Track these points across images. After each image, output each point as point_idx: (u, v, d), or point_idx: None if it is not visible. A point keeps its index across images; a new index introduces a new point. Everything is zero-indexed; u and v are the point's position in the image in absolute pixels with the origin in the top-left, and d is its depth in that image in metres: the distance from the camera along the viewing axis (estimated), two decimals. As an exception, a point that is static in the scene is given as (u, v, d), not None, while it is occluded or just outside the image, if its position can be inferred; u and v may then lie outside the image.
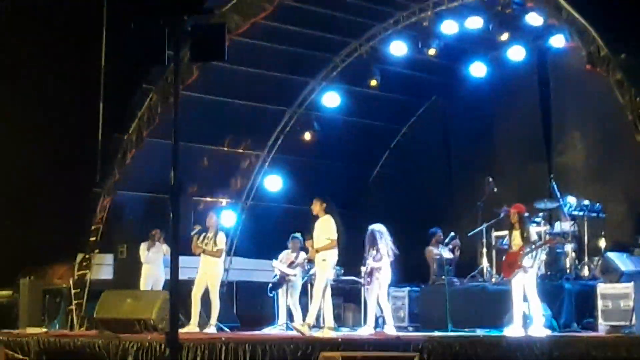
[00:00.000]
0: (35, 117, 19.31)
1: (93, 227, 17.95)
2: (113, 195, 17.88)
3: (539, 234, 15.08)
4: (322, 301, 13.85)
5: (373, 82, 18.17)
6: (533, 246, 13.46)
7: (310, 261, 14.87)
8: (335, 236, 13.87)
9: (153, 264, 17.09)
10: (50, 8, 19.43)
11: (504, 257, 14.12)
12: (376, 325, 15.06)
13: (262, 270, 16.63)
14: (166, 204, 9.52)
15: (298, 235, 16.07)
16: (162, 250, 17.01)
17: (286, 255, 16.09)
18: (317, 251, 13.88)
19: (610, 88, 13.72)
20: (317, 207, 14.08)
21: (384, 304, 14.87)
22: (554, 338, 11.74)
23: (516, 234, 13.63)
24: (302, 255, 15.69)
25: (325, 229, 13.89)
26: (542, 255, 14.54)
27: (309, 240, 14.10)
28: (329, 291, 14.03)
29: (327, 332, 13.58)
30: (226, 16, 15.95)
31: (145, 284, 17.00)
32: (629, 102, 12.58)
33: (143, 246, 17.19)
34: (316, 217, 14.10)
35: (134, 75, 17.51)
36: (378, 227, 14.83)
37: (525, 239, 13.50)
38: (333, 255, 13.89)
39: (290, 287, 15.71)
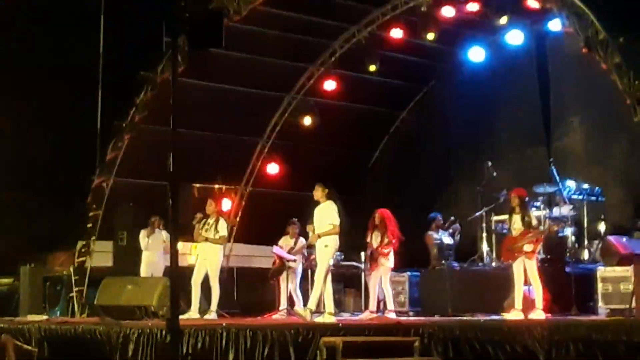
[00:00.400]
0: (35, 105, 19.31)
1: (91, 214, 17.97)
2: (108, 181, 17.88)
3: (538, 218, 15.09)
4: (323, 287, 13.86)
5: (372, 68, 18.15)
6: (533, 233, 13.44)
7: (310, 247, 14.87)
8: (338, 222, 13.88)
9: (153, 251, 17.12)
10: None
11: (502, 241, 14.12)
12: (378, 311, 15.13)
13: (262, 257, 16.66)
14: (166, 190, 9.54)
15: (296, 220, 16.10)
16: (161, 237, 17.03)
17: (285, 241, 16.12)
18: (319, 236, 13.88)
19: (609, 71, 13.70)
20: (319, 192, 14.08)
21: (386, 289, 14.94)
22: (554, 322, 11.75)
23: (516, 218, 13.61)
24: (301, 241, 15.72)
25: (328, 214, 13.89)
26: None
27: (310, 225, 14.09)
28: (329, 277, 14.05)
29: (328, 318, 13.61)
30: (224, 2, 15.94)
31: (145, 271, 17.04)
32: (627, 86, 12.56)
33: (143, 233, 17.22)
34: (317, 203, 14.10)
35: (132, 63, 17.50)
36: (385, 212, 14.88)
37: (527, 223, 13.49)
38: (335, 241, 13.90)
39: (290, 273, 15.74)
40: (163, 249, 16.96)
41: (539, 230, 13.65)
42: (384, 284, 14.92)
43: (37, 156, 19.18)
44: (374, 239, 14.99)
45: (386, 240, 14.76)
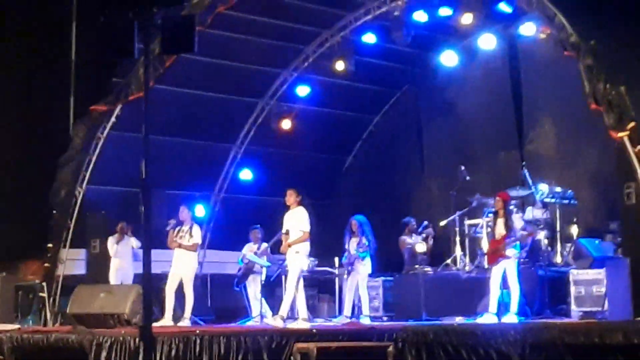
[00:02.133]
0: (5, 112, 19.19)
1: (54, 222, 17.89)
2: (72, 189, 17.81)
3: (533, 221, 15.18)
4: (296, 293, 13.84)
5: (340, 65, 17.99)
6: (514, 237, 13.49)
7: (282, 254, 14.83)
8: (308, 228, 13.87)
9: (122, 257, 17.03)
10: (20, 0, 19.31)
11: (489, 244, 14.13)
12: (352, 316, 15.13)
13: (236, 263, 16.58)
14: (138, 197, 9.49)
15: (257, 226, 16.12)
16: (130, 243, 16.96)
17: (248, 248, 16.12)
18: (289, 245, 13.86)
19: (580, 75, 13.76)
20: (292, 198, 14.05)
21: (363, 295, 14.94)
22: (528, 325, 11.78)
23: (500, 222, 13.67)
24: (264, 245, 15.67)
25: (299, 220, 13.88)
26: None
27: (284, 234, 14.04)
28: (301, 283, 14.03)
29: (302, 323, 13.58)
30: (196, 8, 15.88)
31: (114, 278, 16.94)
32: (599, 89, 12.61)
33: (111, 240, 17.12)
34: (287, 208, 14.08)
35: (104, 69, 17.43)
36: (361, 218, 14.90)
37: (508, 227, 13.54)
38: (306, 246, 13.89)
39: (255, 278, 15.68)
40: (133, 255, 16.89)
41: (518, 237, 13.68)
42: (361, 289, 14.95)
43: (8, 164, 19.06)
44: (351, 245, 15.00)
45: (363, 245, 14.77)
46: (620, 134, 12.28)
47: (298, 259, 13.85)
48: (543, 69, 17.37)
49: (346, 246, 15.03)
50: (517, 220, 14.22)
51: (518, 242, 13.57)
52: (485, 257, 14.41)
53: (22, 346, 13.51)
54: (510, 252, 13.42)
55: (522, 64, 18.09)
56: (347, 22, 18.08)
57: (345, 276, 15.17)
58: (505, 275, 13.51)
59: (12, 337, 13.71)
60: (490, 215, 14.97)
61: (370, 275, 16.30)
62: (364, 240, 14.85)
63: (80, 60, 19.22)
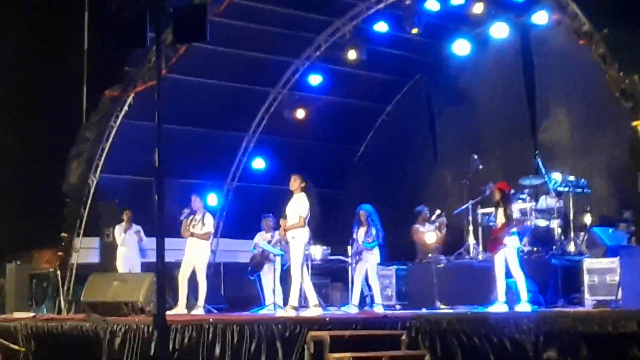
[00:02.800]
0: (18, 101, 19.24)
1: (68, 211, 17.97)
2: (85, 178, 17.88)
3: (524, 211, 15.14)
4: (302, 280, 13.83)
5: (352, 55, 17.98)
6: (513, 224, 13.50)
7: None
8: (305, 214, 13.84)
9: (129, 246, 17.09)
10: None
11: (490, 234, 14.15)
12: (364, 304, 15.14)
13: (249, 251, 16.62)
14: (151, 186, 9.52)
15: (270, 215, 16.11)
16: (138, 232, 17.05)
17: (261, 237, 16.13)
18: (285, 230, 13.87)
19: (593, 64, 13.74)
20: (296, 183, 14.04)
21: (374, 284, 14.95)
22: (541, 314, 11.77)
23: (499, 211, 13.67)
24: (277, 234, 15.66)
25: (298, 206, 13.88)
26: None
27: (283, 219, 14.03)
28: (305, 269, 14.01)
29: (314, 310, 13.60)
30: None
31: (122, 266, 17.01)
32: (613, 77, 12.58)
33: (118, 229, 17.18)
34: (291, 194, 14.08)
35: (117, 58, 17.46)
36: (369, 208, 14.89)
37: (507, 216, 13.54)
38: (303, 232, 13.86)
39: (270, 267, 15.68)
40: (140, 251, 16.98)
41: (516, 222, 13.67)
42: (371, 279, 14.96)
43: (22, 153, 19.12)
44: (359, 235, 15.01)
45: (371, 235, 14.79)
46: (634, 123, 12.25)
47: (295, 245, 13.83)
48: (556, 58, 17.32)
49: (354, 236, 15.02)
50: (516, 210, 14.20)
51: (515, 231, 13.55)
52: (487, 246, 14.41)
53: (36, 334, 13.60)
54: (508, 240, 13.40)
55: (535, 53, 18.03)
56: (359, 10, 18.05)
57: (353, 265, 15.15)
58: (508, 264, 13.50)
59: (27, 325, 13.80)
60: (519, 201, 15.03)
61: (383, 264, 16.32)
62: (372, 230, 14.84)
63: (92, 50, 19.23)
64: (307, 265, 16.40)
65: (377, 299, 14.86)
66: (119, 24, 10.05)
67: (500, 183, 14.02)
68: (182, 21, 9.80)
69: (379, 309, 14.57)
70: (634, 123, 12.20)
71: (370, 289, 15.28)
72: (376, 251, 14.92)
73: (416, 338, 10.62)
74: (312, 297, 13.98)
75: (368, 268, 14.92)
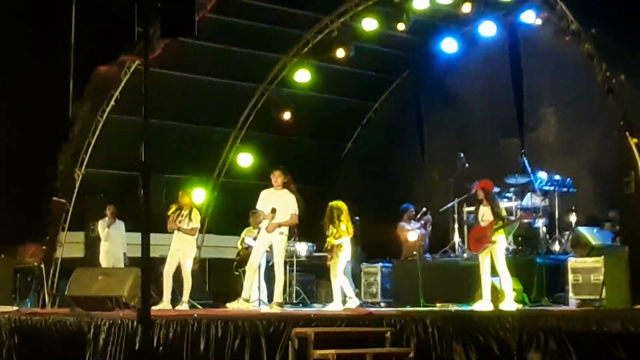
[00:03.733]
0: (4, 95, 19.15)
1: (53, 204, 17.94)
2: (71, 172, 17.85)
3: (509, 209, 15.15)
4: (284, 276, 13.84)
5: (340, 53, 17.99)
6: (503, 222, 13.47)
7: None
8: (297, 212, 13.87)
9: (112, 241, 17.06)
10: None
11: (469, 232, 14.13)
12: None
13: (234, 247, 16.61)
14: (137, 181, 9.48)
15: (257, 210, 16.03)
16: (122, 227, 17.02)
17: (248, 232, 16.10)
18: (279, 225, 13.83)
19: (581, 63, 13.76)
20: (280, 179, 14.00)
21: (343, 280, 14.80)
22: (525, 312, 11.81)
23: (485, 210, 13.61)
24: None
25: (287, 204, 13.84)
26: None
27: (269, 213, 13.92)
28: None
29: (275, 308, 13.56)
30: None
31: (105, 261, 16.99)
32: (600, 77, 12.61)
33: (102, 223, 17.16)
34: (269, 187, 14.03)
35: (104, 53, 17.40)
36: (337, 205, 14.76)
37: (496, 214, 13.52)
38: (288, 229, 13.90)
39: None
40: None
41: (509, 221, 13.66)
42: (341, 274, 14.77)
43: (7, 146, 19.03)
44: (330, 231, 14.92)
45: (340, 230, 14.62)
46: (633, 140, 12.25)
47: (283, 240, 13.81)
48: (544, 57, 17.36)
49: (327, 232, 14.92)
50: (503, 207, 14.15)
51: (505, 228, 13.51)
52: (468, 245, 14.37)
53: (20, 328, 13.53)
54: (496, 237, 13.37)
55: (523, 52, 18.06)
56: (348, 7, 18.05)
57: (328, 262, 15.03)
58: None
59: (10, 319, 13.73)
60: (505, 200, 15.06)
61: (368, 262, 16.32)
62: (340, 227, 14.69)
63: (79, 44, 19.16)
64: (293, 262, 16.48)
65: (349, 292, 14.67)
66: (106, 18, 10.01)
67: (482, 181, 13.97)
68: (171, 16, 9.76)
69: (353, 303, 14.40)
70: (632, 140, 12.16)
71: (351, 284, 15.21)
72: (346, 248, 14.65)
73: (401, 335, 10.62)
74: (279, 294, 13.94)
75: (338, 265, 14.72)
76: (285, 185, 13.99)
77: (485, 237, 13.43)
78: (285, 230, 13.87)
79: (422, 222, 17.21)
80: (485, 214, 13.61)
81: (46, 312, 14.82)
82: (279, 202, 13.89)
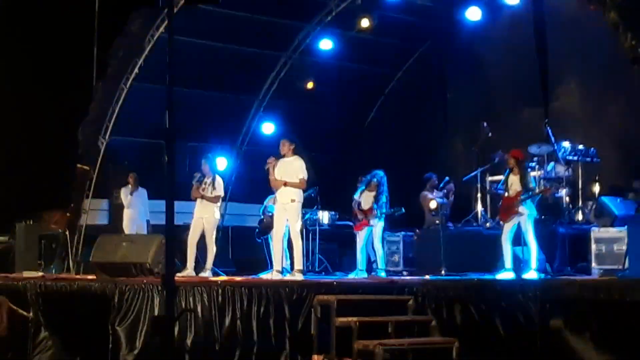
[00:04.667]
0: (29, 65, 19.24)
1: (77, 171, 18.05)
2: (95, 140, 17.95)
3: (533, 179, 15.11)
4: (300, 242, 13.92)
5: (365, 22, 17.92)
6: (530, 193, 13.45)
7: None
8: (306, 176, 13.89)
9: (135, 208, 17.18)
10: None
11: (500, 202, 14.11)
12: (371, 270, 15.17)
13: (258, 215, 16.66)
14: (161, 149, 9.52)
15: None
16: (144, 194, 17.12)
17: (272, 199, 16.13)
18: (285, 184, 13.86)
19: (606, 32, 13.65)
20: (285, 147, 14.08)
21: (378, 249, 14.96)
22: (547, 281, 11.83)
23: (514, 179, 13.58)
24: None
25: (295, 168, 13.89)
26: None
27: (278, 179, 14.02)
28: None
29: (298, 275, 13.65)
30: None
31: (128, 228, 17.10)
32: (626, 45, 12.49)
33: (124, 191, 17.28)
34: (281, 157, 14.10)
35: (127, 20, 17.43)
36: (382, 175, 14.87)
37: (524, 184, 13.49)
38: (301, 195, 13.95)
39: None
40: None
41: (534, 192, 13.63)
42: (376, 245, 14.91)
43: (32, 114, 19.14)
44: (364, 199, 14.97)
45: (382, 204, 14.72)
46: None
47: (296, 208, 13.88)
48: (569, 26, 17.20)
49: (357, 197, 14.96)
50: (532, 178, 14.14)
51: (534, 198, 13.50)
52: (499, 214, 14.36)
53: (46, 293, 13.70)
54: (525, 208, 13.37)
55: (548, 20, 17.89)
56: (372, -24, 17.95)
57: (356, 229, 15.10)
58: (518, 232, 13.48)
59: (36, 284, 13.90)
60: (528, 170, 15.04)
61: (390, 230, 16.36)
62: (383, 198, 14.79)
63: (103, 11, 19.16)
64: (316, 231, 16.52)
65: (381, 264, 14.85)
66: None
67: (514, 150, 13.93)
68: (194, -17, 9.76)
69: (381, 274, 14.59)
70: None
71: (375, 254, 15.31)
72: (382, 217, 14.90)
73: (423, 304, 10.67)
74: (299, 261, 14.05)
75: (374, 233, 14.91)
76: (295, 152, 14.04)
77: (513, 207, 13.41)
78: (297, 197, 13.90)
79: (445, 191, 17.21)
80: (513, 183, 13.58)
81: (71, 278, 14.97)
82: (288, 169, 13.94)
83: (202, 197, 15.20)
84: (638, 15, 12.53)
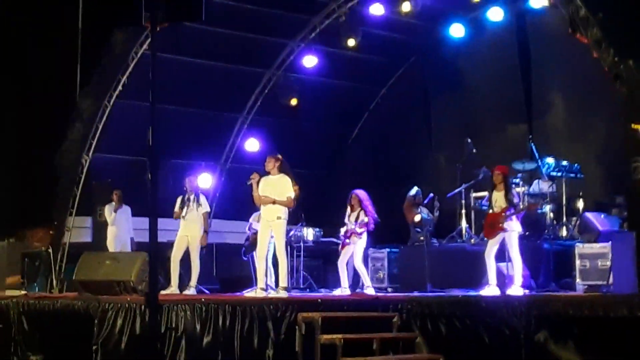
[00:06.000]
0: (12, 80, 19.17)
1: (61, 190, 17.98)
2: (78, 157, 17.89)
3: (517, 195, 15.12)
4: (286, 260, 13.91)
5: (351, 42, 18.00)
6: (514, 209, 13.46)
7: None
8: (293, 195, 13.88)
9: (119, 226, 17.10)
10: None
11: (484, 218, 14.12)
12: (357, 287, 15.13)
13: (242, 233, 16.62)
14: (145, 166, 9.48)
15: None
16: (128, 211, 17.05)
17: (257, 216, 16.10)
18: (274, 202, 13.84)
19: (589, 48, 13.70)
20: (271, 164, 14.05)
21: (360, 268, 14.87)
22: (532, 297, 11.82)
23: (499, 195, 13.60)
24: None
25: (283, 186, 13.87)
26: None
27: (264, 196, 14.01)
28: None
29: (282, 293, 13.62)
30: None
31: (112, 246, 17.02)
32: (608, 62, 12.54)
33: (108, 208, 17.20)
34: (266, 174, 14.09)
35: (110, 37, 17.40)
36: (363, 193, 14.83)
37: (509, 200, 13.51)
38: (287, 213, 13.93)
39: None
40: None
41: (519, 209, 13.64)
42: (357, 264, 14.78)
43: (15, 131, 19.06)
44: (351, 219, 14.96)
45: (362, 222, 14.68)
46: (634, 125, 12.19)
47: (282, 225, 13.86)
48: (552, 42, 17.29)
49: (345, 220, 14.96)
50: (516, 194, 14.15)
51: (518, 215, 13.52)
52: (483, 230, 14.36)
53: (28, 312, 13.60)
54: (510, 225, 13.38)
55: (531, 37, 18.00)
56: (356, -8, 18.01)
57: (340, 248, 15.06)
58: (502, 248, 13.49)
59: (18, 303, 13.80)
60: (512, 186, 15.06)
61: (375, 247, 16.33)
62: (364, 216, 14.73)
63: (86, 28, 19.13)
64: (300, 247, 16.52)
65: (367, 281, 14.81)
66: (113, 2, 9.97)
67: (500, 166, 13.96)
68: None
69: (370, 291, 14.56)
70: (634, 126, 12.12)
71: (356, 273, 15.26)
72: (364, 236, 14.79)
73: (408, 320, 10.66)
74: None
75: (355, 252, 14.78)
76: (280, 170, 14.02)
77: (498, 223, 13.42)
78: (283, 214, 13.88)
79: (430, 207, 17.21)
80: (498, 199, 13.59)
81: (54, 297, 14.87)
82: (275, 187, 13.92)
83: (184, 217, 15.09)
84: (621, 32, 12.59)
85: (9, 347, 13.61)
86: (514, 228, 13.41)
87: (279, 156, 14.11)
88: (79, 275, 15.39)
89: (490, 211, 13.72)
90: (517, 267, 13.34)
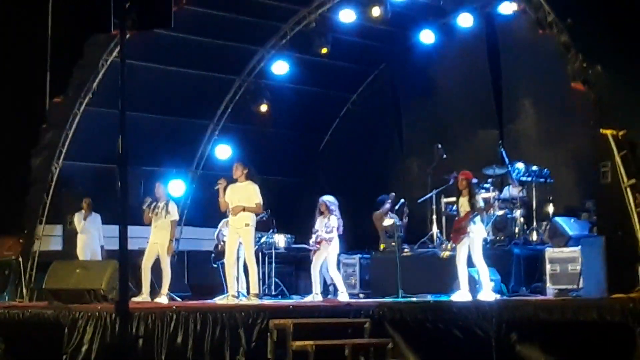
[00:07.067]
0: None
1: (31, 198, 17.87)
2: (48, 165, 17.79)
3: (487, 200, 15.19)
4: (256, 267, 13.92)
5: (323, 50, 18.04)
6: (477, 213, 13.53)
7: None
8: (260, 200, 13.91)
9: (89, 234, 17.01)
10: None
11: (453, 224, 14.17)
12: (329, 293, 15.13)
13: (213, 239, 16.58)
14: (115, 173, 9.44)
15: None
16: (98, 219, 16.97)
17: (226, 222, 16.07)
18: (243, 209, 13.84)
19: (559, 54, 13.79)
20: (238, 171, 14.12)
21: (334, 274, 14.90)
22: (503, 302, 11.87)
23: (463, 200, 13.70)
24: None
25: (250, 193, 13.90)
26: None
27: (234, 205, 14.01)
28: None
29: (254, 300, 13.61)
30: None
31: (82, 254, 16.93)
32: (576, 67, 12.62)
33: (78, 216, 17.11)
34: (233, 181, 14.09)
35: (80, 43, 17.32)
36: (330, 199, 14.84)
37: (472, 205, 13.58)
38: (255, 220, 13.96)
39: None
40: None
41: (479, 211, 13.68)
42: (331, 269, 14.81)
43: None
44: (320, 225, 14.95)
45: (330, 226, 14.68)
46: (603, 131, 12.28)
47: (250, 232, 13.87)
48: (522, 48, 17.38)
49: (315, 227, 14.96)
50: (480, 199, 14.21)
51: (478, 218, 13.58)
52: (451, 236, 14.42)
53: (-3, 321, 13.50)
54: (473, 228, 13.44)
55: (501, 43, 18.08)
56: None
57: (311, 255, 15.07)
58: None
59: (-13, 313, 13.69)
60: (482, 191, 15.13)
61: (346, 253, 16.34)
62: (332, 221, 14.74)
63: (56, 35, 19.05)
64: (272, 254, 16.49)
65: (341, 287, 14.83)
66: (83, 9, 9.93)
67: (464, 172, 14.05)
68: (147, 6, 9.70)
69: (344, 297, 14.56)
70: (603, 131, 12.20)
71: (331, 278, 15.27)
72: (335, 241, 14.78)
73: (379, 326, 10.67)
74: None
75: (327, 258, 14.80)
76: (248, 177, 14.05)
77: (462, 228, 13.50)
78: (251, 222, 13.92)
79: (399, 213, 17.24)
80: (463, 204, 13.68)
81: (24, 306, 14.77)
82: (242, 194, 13.93)
83: (154, 224, 15.05)
84: (589, 37, 12.68)
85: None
86: (477, 233, 13.47)
87: (246, 163, 14.14)
88: (49, 283, 15.30)
89: (459, 216, 13.81)
90: (482, 272, 13.41)
